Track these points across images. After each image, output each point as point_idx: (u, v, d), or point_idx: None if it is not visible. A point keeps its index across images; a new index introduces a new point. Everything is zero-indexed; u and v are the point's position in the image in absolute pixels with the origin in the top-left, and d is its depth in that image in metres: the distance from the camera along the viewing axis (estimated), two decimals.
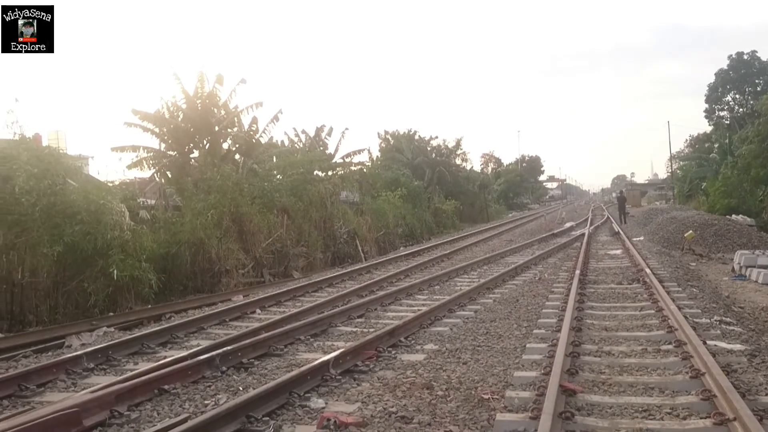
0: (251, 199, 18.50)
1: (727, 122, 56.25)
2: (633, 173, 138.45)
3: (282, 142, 32.78)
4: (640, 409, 5.23)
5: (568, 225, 31.13)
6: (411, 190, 33.61)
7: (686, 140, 70.49)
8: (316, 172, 24.70)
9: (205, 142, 24.31)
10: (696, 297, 10.79)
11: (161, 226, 15.98)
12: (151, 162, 23.91)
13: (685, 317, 8.17)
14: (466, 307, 10.32)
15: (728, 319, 9.00)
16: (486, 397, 5.64)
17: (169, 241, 15.23)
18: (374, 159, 43.77)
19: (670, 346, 7.18)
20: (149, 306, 12.90)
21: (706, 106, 60.80)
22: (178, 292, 14.84)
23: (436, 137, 51.91)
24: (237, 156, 24.94)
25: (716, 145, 49.43)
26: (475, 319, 9.40)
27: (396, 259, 18.93)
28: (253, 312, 10.71)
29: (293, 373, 6.04)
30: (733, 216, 30.32)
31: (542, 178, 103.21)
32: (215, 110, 24.45)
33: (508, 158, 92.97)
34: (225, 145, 25.25)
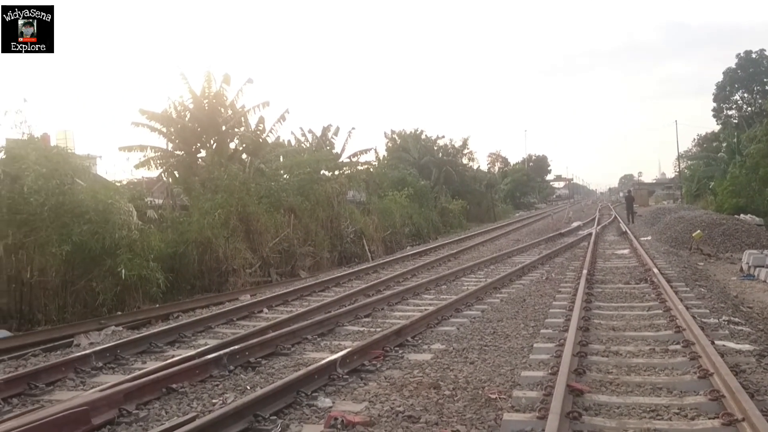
0: (258, 198, 18.54)
1: (736, 121, 56.05)
2: (640, 172, 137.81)
3: (289, 141, 32.79)
4: (648, 409, 5.21)
5: (575, 224, 31.06)
6: (418, 190, 33.59)
7: (694, 139, 70.42)
8: (322, 172, 24.72)
9: (212, 141, 24.34)
10: (704, 297, 10.75)
11: (169, 225, 16.02)
12: (158, 162, 23.96)
13: (693, 317, 8.14)
14: (473, 306, 10.31)
15: (737, 319, 8.97)
16: (493, 396, 5.63)
17: (177, 240, 15.27)
18: (381, 158, 43.87)
19: (678, 346, 7.16)
20: (157, 305, 12.93)
21: (714, 104, 60.69)
22: (186, 291, 14.88)
23: (443, 137, 52.11)
24: (244, 156, 24.97)
25: (724, 144, 49.26)
26: (482, 318, 9.39)
27: (403, 258, 18.93)
28: (261, 311, 10.73)
29: (300, 373, 6.05)
30: (742, 215, 30.21)
31: (549, 177, 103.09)
32: (222, 110, 24.47)
33: (514, 158, 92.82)
34: (232, 145, 25.25)
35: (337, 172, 27.11)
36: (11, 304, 12.15)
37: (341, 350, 6.97)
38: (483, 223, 42.48)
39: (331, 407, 5.53)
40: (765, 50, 57.69)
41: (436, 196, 38.90)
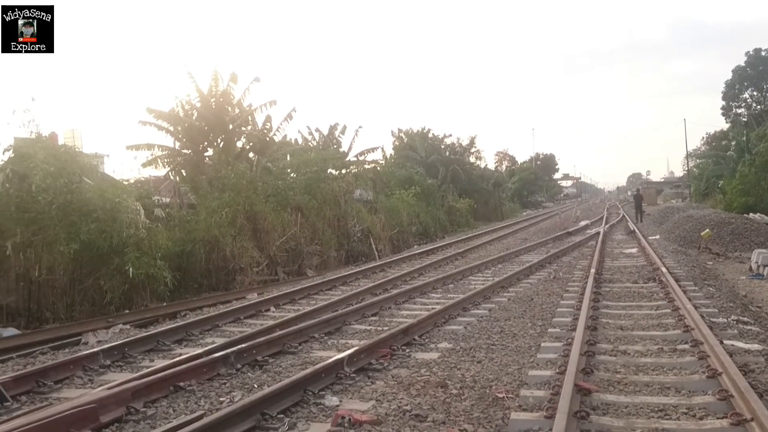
0: (265, 197, 18.55)
1: (745, 119, 55.77)
2: (649, 171, 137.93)
3: (296, 140, 32.79)
4: (656, 408, 5.20)
5: (583, 223, 30.99)
6: (425, 189, 33.53)
7: (703, 138, 70.05)
8: (329, 171, 24.72)
9: (219, 140, 24.39)
10: (713, 296, 10.70)
11: (176, 224, 16.05)
12: (165, 160, 24.03)
13: (702, 316, 8.11)
14: (480, 305, 10.30)
15: (745, 319, 8.93)
16: (500, 395, 5.62)
17: (184, 239, 15.29)
18: (388, 157, 43.82)
19: (686, 346, 7.13)
20: (164, 303, 12.95)
21: (723, 103, 60.39)
22: (193, 289, 14.90)
23: (450, 135, 51.95)
24: (251, 154, 25.00)
25: (733, 143, 48.90)
26: (489, 317, 9.38)
27: (410, 257, 18.93)
28: (268, 310, 10.74)
29: (308, 371, 6.05)
30: (751, 214, 30.03)
31: (557, 176, 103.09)
32: (229, 108, 24.52)
33: (522, 156, 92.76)
34: (239, 144, 25.29)
35: (344, 171, 27.11)
36: (20, 302, 12.20)
37: (348, 349, 6.96)
38: (490, 221, 42.40)
39: (338, 406, 5.53)
40: None
41: (443, 194, 38.83)
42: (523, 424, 4.92)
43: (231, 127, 24.36)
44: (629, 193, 79.41)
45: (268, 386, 5.96)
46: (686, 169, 68.63)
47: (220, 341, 8.08)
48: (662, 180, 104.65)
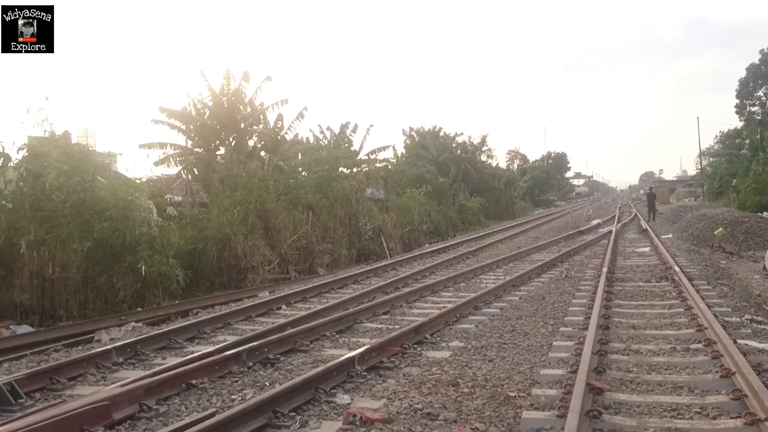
0: (277, 195, 18.59)
1: (759, 117, 55.27)
2: (661, 170, 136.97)
3: (307, 139, 32.89)
4: (669, 408, 5.16)
5: (595, 222, 30.87)
6: (436, 187, 33.51)
7: (716, 136, 69.46)
8: (341, 169, 24.73)
9: (231, 139, 24.48)
10: (726, 295, 10.63)
11: (188, 222, 16.12)
12: (177, 159, 24.17)
13: (715, 316, 8.05)
14: (491, 304, 10.28)
15: (759, 318, 8.86)
16: (512, 394, 5.61)
17: (196, 237, 15.36)
18: (399, 156, 43.82)
19: (699, 345, 7.08)
20: (176, 301, 13.01)
21: (737, 101, 59.85)
22: (205, 288, 14.97)
23: (462, 134, 51.90)
24: (262, 153, 25.09)
25: (747, 141, 48.53)
26: (500, 316, 9.36)
27: (421, 255, 18.92)
28: (279, 308, 10.77)
29: (319, 369, 6.06)
30: (765, 213, 29.80)
31: (568, 174, 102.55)
32: (241, 107, 24.60)
33: (534, 155, 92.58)
34: (251, 142, 25.39)
35: (355, 170, 27.13)
36: (33, 300, 12.28)
37: (360, 347, 6.96)
38: (502, 220, 42.30)
39: (349, 404, 5.54)
40: None
41: (455, 193, 38.77)
42: (535, 422, 4.90)
43: (243, 125, 24.44)
44: (641, 191, 79.09)
45: (280, 384, 5.98)
46: (699, 167, 68.08)
47: (231, 339, 8.12)
48: (675, 179, 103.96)
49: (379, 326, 8.94)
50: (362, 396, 5.80)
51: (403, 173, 33.64)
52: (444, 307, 9.67)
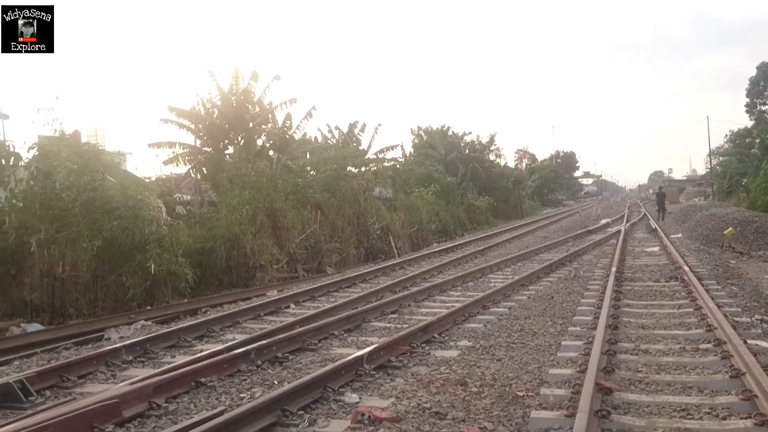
0: (285, 194, 18.63)
1: None
2: (671, 169, 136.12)
3: (315, 138, 32.91)
4: (678, 408, 5.14)
5: (603, 222, 30.77)
6: (444, 186, 33.48)
7: (726, 135, 68.95)
8: (349, 168, 24.75)
9: (239, 138, 24.55)
10: (736, 295, 10.57)
11: (197, 221, 16.18)
12: (186, 158, 24.27)
13: (725, 315, 8.01)
14: (500, 303, 10.25)
15: None
16: (521, 394, 5.60)
17: (205, 236, 15.41)
18: (407, 155, 43.81)
19: (709, 345, 7.05)
20: (185, 300, 13.07)
21: (747, 100, 59.48)
22: (214, 286, 15.02)
23: (470, 133, 51.77)
24: (271, 152, 25.14)
25: (758, 140, 48.16)
26: (509, 315, 9.34)
27: (429, 255, 18.91)
28: (288, 307, 10.79)
29: (327, 368, 6.07)
30: None
31: (577, 174, 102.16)
32: (250, 107, 24.67)
33: (542, 154, 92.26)
34: (259, 142, 25.46)
35: (363, 169, 27.15)
36: (44, 298, 12.36)
37: (368, 346, 6.96)
38: (510, 220, 42.22)
39: (358, 403, 5.55)
40: None
41: (463, 192, 38.71)
42: (544, 422, 4.89)
43: (251, 125, 24.52)
44: (651, 191, 78.74)
45: (288, 383, 5.99)
46: (709, 167, 67.71)
47: (240, 338, 8.14)
48: (684, 178, 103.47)
49: (388, 325, 8.94)
50: (370, 395, 5.80)
51: (411, 172, 33.62)
52: (452, 306, 9.66)
